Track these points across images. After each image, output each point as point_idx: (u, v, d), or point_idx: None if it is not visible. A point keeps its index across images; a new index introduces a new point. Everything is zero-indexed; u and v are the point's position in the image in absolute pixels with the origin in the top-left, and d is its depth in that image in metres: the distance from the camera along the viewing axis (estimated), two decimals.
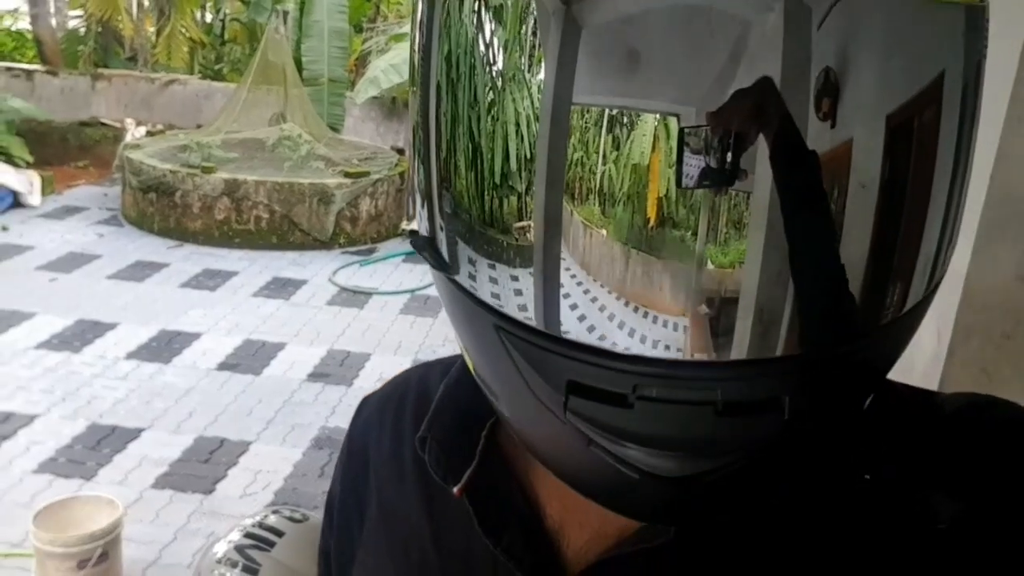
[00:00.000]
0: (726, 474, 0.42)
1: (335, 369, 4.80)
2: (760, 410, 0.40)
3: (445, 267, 0.48)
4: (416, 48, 0.47)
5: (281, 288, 6.00)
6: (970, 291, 1.12)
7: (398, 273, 6.58)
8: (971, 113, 0.42)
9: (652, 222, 0.39)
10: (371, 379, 4.69)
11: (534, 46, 0.40)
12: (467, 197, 0.45)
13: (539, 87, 0.40)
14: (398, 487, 0.64)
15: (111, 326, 5.08)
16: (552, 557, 0.55)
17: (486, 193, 0.44)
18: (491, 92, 0.43)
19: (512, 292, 0.43)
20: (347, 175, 7.08)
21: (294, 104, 7.98)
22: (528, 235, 0.42)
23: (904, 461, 0.50)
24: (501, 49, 0.42)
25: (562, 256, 0.41)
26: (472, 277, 0.45)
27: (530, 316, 0.43)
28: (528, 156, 0.41)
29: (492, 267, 0.44)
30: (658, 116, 0.38)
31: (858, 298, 0.41)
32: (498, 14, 0.42)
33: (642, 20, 0.38)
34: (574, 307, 0.41)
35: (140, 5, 11.03)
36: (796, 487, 0.48)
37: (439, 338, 5.34)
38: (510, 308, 0.44)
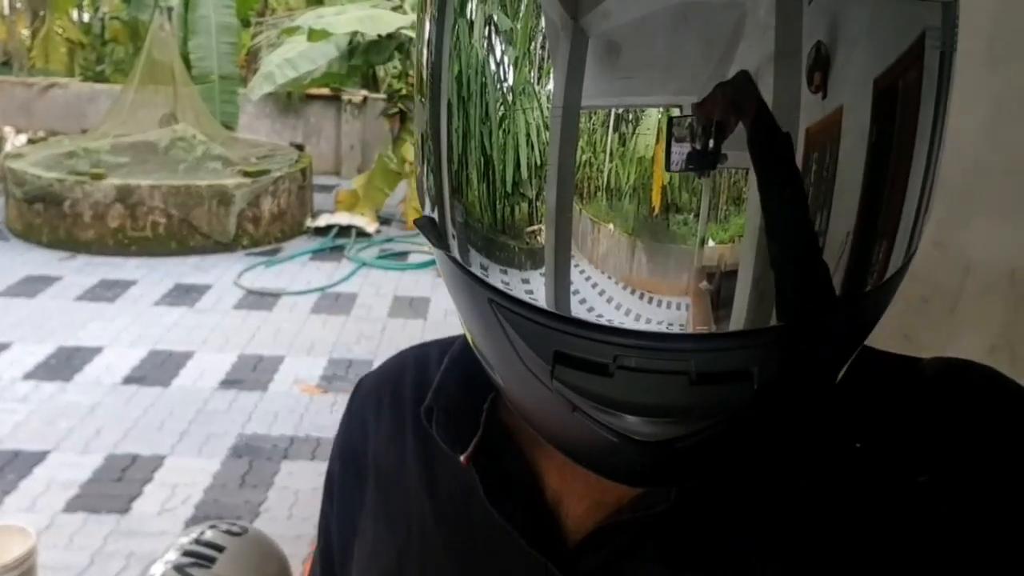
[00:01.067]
0: (701, 439, 0.45)
1: (248, 374, 4.69)
2: (731, 379, 0.43)
3: (445, 245, 0.50)
4: (424, 61, 0.50)
5: (184, 295, 5.82)
6: None
7: (306, 272, 6.46)
8: (947, 83, 0.45)
9: (634, 205, 0.42)
10: (286, 382, 4.60)
11: (543, 55, 0.43)
12: (468, 181, 0.47)
13: (548, 94, 0.43)
14: (399, 462, 0.66)
15: (4, 346, 4.83)
16: (554, 526, 0.57)
17: (484, 180, 0.46)
18: (504, 91, 0.45)
19: (504, 269, 0.47)
20: (246, 174, 6.90)
21: (185, 103, 7.73)
22: (519, 217, 0.45)
23: (888, 425, 0.53)
24: (512, 55, 0.44)
25: (549, 235, 0.44)
26: (468, 255, 0.49)
27: (520, 291, 0.46)
28: (536, 159, 0.44)
29: (485, 246, 0.47)
30: (649, 110, 0.41)
31: (827, 271, 0.43)
32: (508, 31, 0.44)
33: (643, 25, 0.41)
34: (561, 282, 0.44)
35: (12, 7, 10.47)
36: (777, 452, 0.51)
37: (353, 336, 5.27)
38: (502, 284, 0.47)
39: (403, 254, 6.99)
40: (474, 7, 0.45)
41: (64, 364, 4.67)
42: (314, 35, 6.71)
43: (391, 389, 0.70)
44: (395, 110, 7.68)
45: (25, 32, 10.74)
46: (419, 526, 0.63)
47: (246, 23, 10.27)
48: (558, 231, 0.44)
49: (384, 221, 7.64)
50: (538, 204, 0.44)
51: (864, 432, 0.52)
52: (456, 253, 0.50)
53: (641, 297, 0.43)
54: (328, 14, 7.09)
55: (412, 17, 6.91)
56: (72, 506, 3.42)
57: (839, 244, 0.43)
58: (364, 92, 9.57)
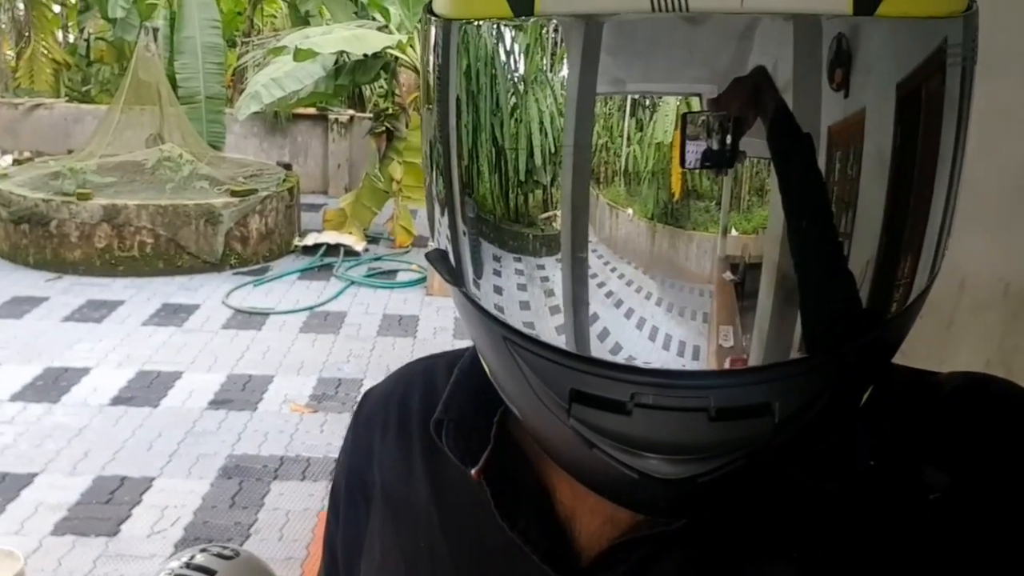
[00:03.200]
0: (723, 475, 0.44)
1: (237, 394, 4.66)
2: (752, 415, 0.43)
3: (458, 280, 0.50)
4: (432, 69, 0.49)
5: (172, 315, 5.79)
6: None
7: (294, 291, 6.44)
8: (968, 103, 0.45)
9: (644, 236, 0.42)
10: (276, 401, 4.58)
11: (553, 65, 0.42)
12: (477, 219, 0.47)
13: (557, 109, 0.42)
14: (406, 477, 0.65)
15: None
16: (567, 542, 0.56)
17: (494, 215, 0.47)
18: (497, 119, 0.45)
19: (518, 307, 0.47)
20: (234, 193, 6.89)
21: (171, 123, 7.71)
22: (533, 254, 0.45)
23: (904, 441, 0.52)
24: (520, 73, 0.44)
25: (563, 272, 0.44)
26: (477, 288, 0.49)
27: (535, 330, 0.46)
28: (548, 181, 0.44)
29: (499, 284, 0.47)
30: (635, 150, 0.41)
31: (850, 300, 0.43)
32: (519, 41, 0.44)
33: (618, 48, 0.40)
34: (576, 321, 0.44)
35: None
36: (797, 477, 0.50)
37: (343, 354, 5.26)
38: (517, 321, 0.47)
39: (391, 272, 6.98)
40: (468, 36, 0.45)
41: (51, 385, 4.63)
42: (300, 55, 6.72)
43: (398, 403, 0.69)
44: (382, 129, 7.69)
45: (10, 53, 10.71)
46: (427, 541, 0.62)
47: (232, 43, 10.29)
48: (574, 269, 0.43)
49: (372, 240, 7.64)
50: (551, 241, 0.44)
51: (879, 449, 0.52)
52: (471, 289, 0.49)
53: (658, 334, 0.42)
54: (314, 34, 7.10)
55: (398, 37, 6.94)
56: (60, 529, 3.38)
57: (862, 270, 0.43)
58: (351, 111, 9.59)
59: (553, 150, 0.43)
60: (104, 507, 3.55)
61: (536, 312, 0.46)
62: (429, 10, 0.49)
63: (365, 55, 6.95)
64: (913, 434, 0.52)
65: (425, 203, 0.54)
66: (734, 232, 0.41)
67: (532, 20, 0.42)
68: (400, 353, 5.26)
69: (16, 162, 7.94)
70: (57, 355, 5.01)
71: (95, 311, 5.76)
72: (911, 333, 1.45)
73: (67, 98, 10.28)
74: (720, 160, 0.40)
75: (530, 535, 0.56)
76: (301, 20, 9.30)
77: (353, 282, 6.65)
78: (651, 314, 0.42)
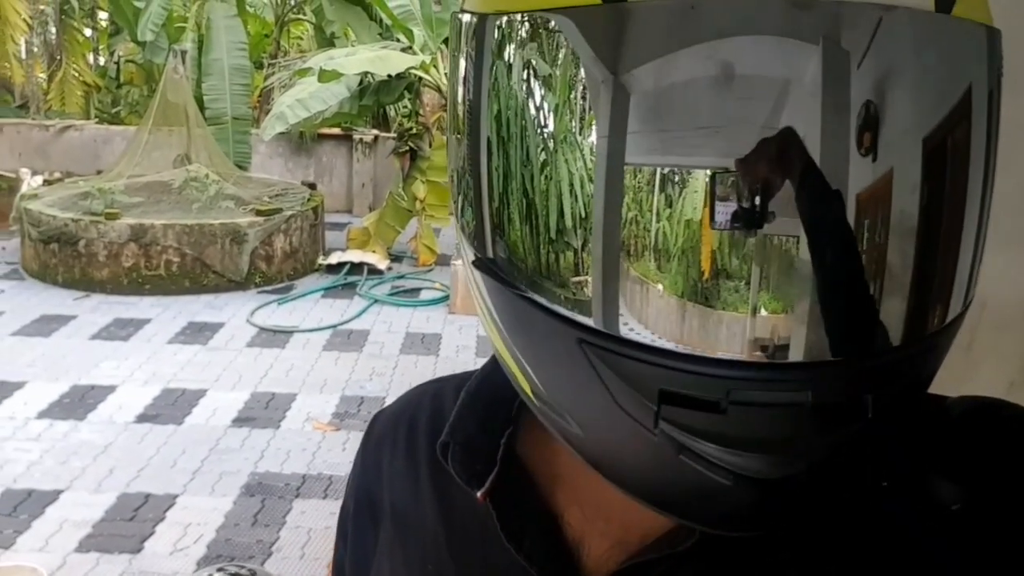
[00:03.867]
0: (810, 475, 0.43)
1: (260, 412, 4.68)
2: (846, 410, 0.42)
3: (516, 285, 0.47)
4: (460, 96, 0.48)
5: (198, 333, 5.84)
6: None
7: (318, 309, 6.48)
8: (996, 132, 0.45)
9: (736, 229, 0.41)
10: (298, 419, 4.60)
11: (584, 110, 0.42)
12: (544, 221, 0.45)
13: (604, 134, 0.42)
14: (413, 500, 0.65)
15: (18, 385, 4.85)
16: (573, 565, 0.55)
17: (562, 218, 0.44)
18: (558, 129, 0.44)
19: (598, 304, 0.43)
20: (259, 213, 6.96)
21: (198, 144, 7.82)
22: (611, 249, 0.42)
23: (916, 461, 0.52)
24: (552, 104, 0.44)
25: (649, 268, 0.42)
26: (551, 293, 0.45)
27: (618, 327, 0.43)
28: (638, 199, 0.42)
29: (574, 282, 0.44)
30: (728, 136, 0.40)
31: (925, 302, 0.44)
32: (547, 82, 0.43)
33: (686, 83, 0.40)
34: (664, 315, 0.42)
35: (29, 51, 10.65)
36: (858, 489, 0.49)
37: (366, 372, 5.27)
38: (596, 320, 0.43)
39: (415, 291, 7.01)
40: (512, 52, 0.44)
41: (78, 403, 4.68)
42: (325, 76, 6.80)
43: (406, 425, 0.69)
44: (405, 149, 7.75)
45: (42, 75, 10.92)
46: (435, 564, 0.62)
47: (259, 65, 10.43)
48: (659, 261, 0.41)
49: (395, 258, 7.67)
50: (614, 237, 0.42)
51: (891, 468, 0.51)
52: (531, 292, 0.46)
53: (752, 327, 0.41)
54: (339, 55, 7.19)
55: (421, 58, 7.00)
56: (84, 546, 3.40)
57: (940, 271, 0.44)
58: (375, 131, 9.68)
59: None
60: (128, 524, 3.57)
61: (617, 311, 0.43)
62: (462, 9, 0.48)
63: (389, 76, 7.02)
64: (925, 453, 0.52)
65: (461, 212, 0.51)
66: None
67: (623, 7, 0.41)
68: (423, 371, 5.27)
69: (46, 182, 8.07)
70: (84, 373, 5.07)
71: (122, 329, 5.83)
72: None
73: (97, 120, 10.46)
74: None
75: (536, 557, 0.55)
76: (327, 42, 9.40)
77: (376, 300, 6.68)
78: (742, 308, 0.41)
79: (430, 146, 7.52)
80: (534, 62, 0.44)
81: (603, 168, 0.41)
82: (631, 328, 0.43)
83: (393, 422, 0.71)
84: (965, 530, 0.49)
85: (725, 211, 0.40)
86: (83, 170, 8.79)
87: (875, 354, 0.43)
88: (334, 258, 7.33)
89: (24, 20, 9.53)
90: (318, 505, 3.78)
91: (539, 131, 0.44)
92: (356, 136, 9.50)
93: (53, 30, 10.74)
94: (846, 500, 0.48)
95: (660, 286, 0.42)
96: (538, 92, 0.44)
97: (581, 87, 0.42)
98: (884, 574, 0.50)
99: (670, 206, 0.41)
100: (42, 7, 10.60)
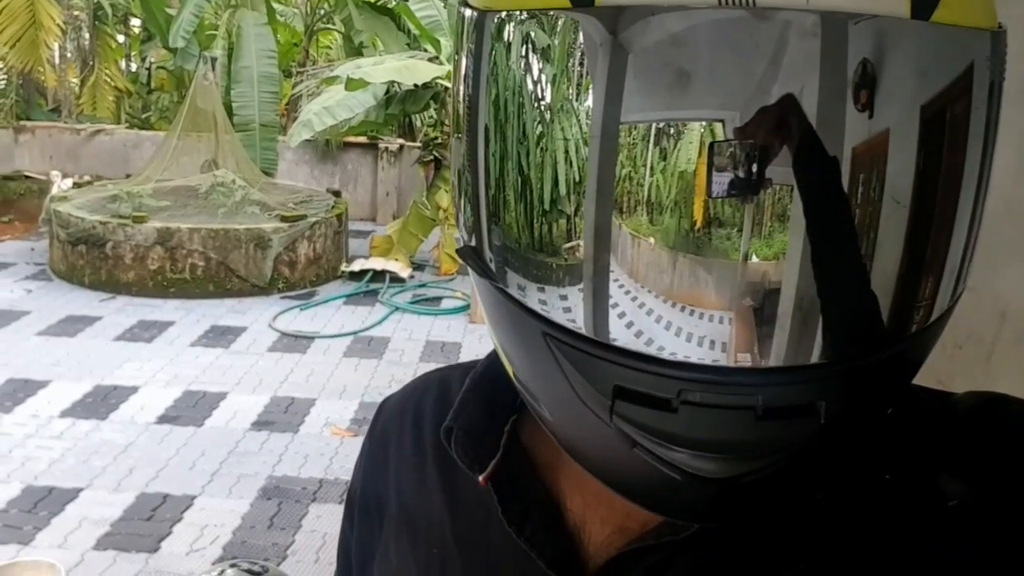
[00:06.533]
0: (764, 475, 0.44)
1: (279, 416, 4.71)
2: (798, 414, 0.42)
3: (492, 275, 0.49)
4: (461, 93, 0.49)
5: (220, 336, 5.89)
6: None
7: (339, 316, 6.51)
8: (995, 114, 0.45)
9: (694, 229, 0.41)
10: (317, 425, 4.62)
11: (582, 74, 0.42)
12: (518, 213, 0.47)
13: (588, 112, 0.42)
14: (418, 484, 0.66)
15: (43, 384, 4.91)
16: (574, 550, 0.56)
17: (537, 209, 0.45)
18: (543, 116, 0.44)
19: (560, 301, 0.45)
20: (283, 219, 7.01)
21: (226, 150, 7.90)
22: (577, 248, 0.44)
23: (919, 455, 0.52)
24: (552, 70, 0.44)
25: (610, 266, 0.43)
26: (520, 287, 0.47)
27: (579, 324, 0.44)
28: (577, 177, 0.43)
29: (541, 278, 0.46)
30: (702, 127, 0.41)
31: (891, 307, 0.43)
32: (546, 52, 0.44)
33: (683, 40, 0.40)
34: (622, 315, 0.43)
35: (63, 55, 10.83)
36: (826, 487, 0.50)
37: (385, 379, 5.29)
38: (558, 316, 0.45)
39: (436, 299, 7.02)
40: (512, 29, 0.45)
41: (100, 402, 4.73)
42: (352, 84, 6.85)
43: (412, 410, 0.70)
44: (430, 158, 7.79)
45: (75, 80, 11.09)
46: (440, 548, 0.63)
47: (288, 73, 10.53)
48: (619, 262, 0.43)
49: (418, 267, 7.70)
50: (597, 233, 0.43)
51: (894, 463, 0.52)
52: (506, 284, 0.48)
53: (706, 330, 0.42)
54: (366, 64, 7.24)
55: (447, 68, 7.03)
56: (102, 544, 3.44)
57: (907, 278, 0.43)
58: (400, 140, 9.73)
59: (626, 141, 0.42)
60: (146, 524, 3.60)
61: (580, 307, 0.44)
62: (465, 3, 0.49)
63: (415, 85, 7.06)
64: (929, 449, 0.52)
65: (455, 201, 0.54)
66: (770, 230, 0.41)
67: (591, 12, 0.41)
68: None
69: (76, 185, 8.18)
70: (107, 373, 5.12)
71: (146, 331, 5.89)
72: (950, 365, 1.40)
73: (127, 124, 10.60)
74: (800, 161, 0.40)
75: (536, 541, 0.56)
76: (355, 51, 9.48)
77: (397, 308, 6.70)
78: (699, 310, 0.42)
79: None
80: (522, 58, 0.45)
81: (546, 169, 0.44)
82: (589, 325, 0.44)
83: (399, 408, 0.71)
84: (971, 526, 0.49)
85: (675, 223, 0.41)
86: (112, 174, 8.91)
87: (827, 363, 0.42)
88: (357, 265, 7.37)
89: (58, 25, 9.67)
90: (334, 510, 3.78)
91: (516, 132, 0.46)
92: (381, 145, 9.56)
93: (87, 35, 10.90)
94: (816, 498, 0.49)
95: (619, 287, 0.43)
96: (513, 87, 0.45)
97: (561, 86, 0.44)
98: (886, 569, 0.49)
99: (624, 212, 0.42)
100: (76, 13, 10.77)
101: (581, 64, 0.42)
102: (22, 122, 9.89)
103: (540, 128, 0.44)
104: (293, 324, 6.23)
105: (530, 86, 0.45)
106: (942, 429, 0.53)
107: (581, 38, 0.42)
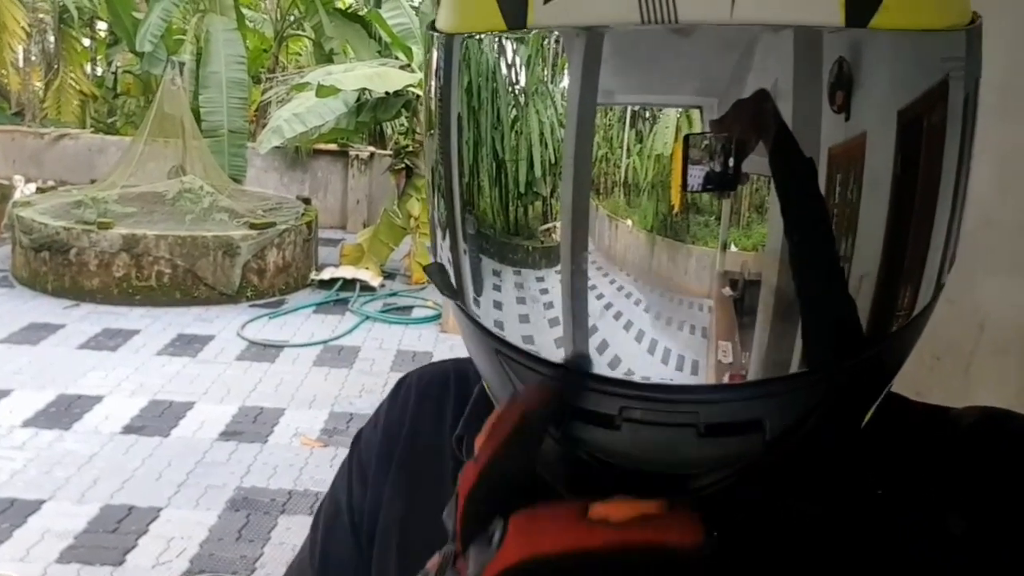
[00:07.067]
0: (717, 490, 0.44)
1: (248, 426, 4.65)
2: (740, 431, 0.42)
3: (455, 294, 0.50)
4: (433, 95, 0.49)
5: (187, 345, 5.81)
6: None
7: (309, 324, 6.45)
8: (972, 123, 0.44)
9: (638, 249, 0.41)
10: (286, 435, 4.56)
11: (552, 76, 0.43)
12: (476, 232, 0.47)
13: (518, 129, 0.43)
14: (438, 456, 0.63)
15: (5, 392, 4.81)
16: None
17: (487, 233, 0.47)
18: (498, 132, 0.45)
19: (509, 319, 0.47)
20: (252, 226, 6.94)
21: (193, 156, 7.82)
22: (527, 266, 0.45)
23: (919, 476, 0.50)
24: (520, 87, 0.44)
25: (552, 286, 0.44)
26: (476, 304, 0.49)
27: (525, 343, 0.46)
28: (548, 192, 0.44)
29: (493, 297, 0.47)
30: (634, 146, 0.40)
31: (848, 313, 0.42)
32: (490, 70, 0.45)
33: (612, 57, 0.40)
34: (565, 334, 0.44)
35: (27, 59, 10.66)
36: (805, 500, 0.49)
37: (355, 389, 5.24)
38: (511, 333, 0.47)
39: (407, 308, 6.99)
40: (458, 48, 0.45)
41: (64, 412, 4.63)
42: (323, 91, 6.81)
43: (435, 397, 0.67)
44: (401, 166, 7.76)
45: (39, 83, 10.92)
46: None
47: (257, 79, 10.45)
48: (563, 281, 0.43)
49: (388, 275, 7.66)
50: (542, 255, 0.44)
51: (888, 479, 0.50)
52: (467, 303, 0.49)
53: (646, 348, 0.42)
54: (337, 71, 7.20)
55: (419, 76, 7.02)
56: (66, 557, 3.36)
57: (855, 289, 0.42)
58: (371, 148, 9.69)
59: (553, 161, 0.43)
60: (111, 536, 3.53)
61: (525, 325, 0.46)
62: (431, 26, 0.50)
63: (387, 93, 7.04)
64: (929, 468, 0.51)
65: (427, 208, 0.55)
66: (732, 248, 0.40)
67: (526, 33, 0.42)
68: None
69: (40, 190, 8.05)
70: (71, 382, 5.03)
71: (110, 339, 5.79)
72: (929, 377, 1.41)
73: (92, 129, 10.46)
74: (720, 181, 0.39)
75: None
76: (325, 58, 9.44)
77: (368, 317, 6.66)
78: (639, 327, 0.42)
79: None
80: (475, 80, 0.46)
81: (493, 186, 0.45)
82: (534, 343, 0.45)
83: (426, 389, 0.69)
84: (972, 552, 0.47)
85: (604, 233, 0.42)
86: (77, 179, 8.77)
87: (767, 379, 0.42)
88: (327, 274, 7.31)
89: (23, 28, 9.54)
90: (304, 521, 3.73)
91: (457, 156, 0.47)
92: (352, 152, 9.51)
93: (51, 39, 10.75)
94: (787, 512, 0.48)
95: (559, 304, 0.44)
96: (452, 106, 0.47)
97: (492, 110, 0.45)
98: None
99: (567, 236, 0.43)
100: (41, 16, 10.61)
101: (514, 84, 0.44)
102: None
103: (472, 151, 0.46)
104: (262, 333, 6.16)
105: (466, 110, 0.46)
106: (943, 446, 0.52)
107: (517, 58, 0.43)
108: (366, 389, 5.26)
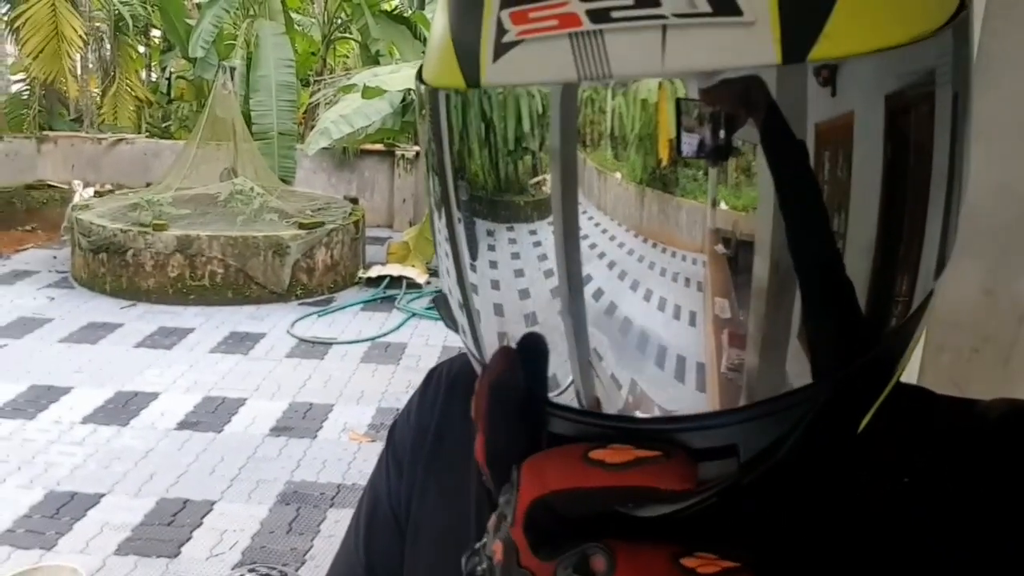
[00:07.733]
0: (696, 512, 0.43)
1: (298, 422, 4.74)
2: (714, 456, 0.42)
3: (453, 326, 0.52)
4: (425, 131, 0.51)
5: (239, 343, 5.93)
6: (940, 307, 1.15)
7: (357, 322, 6.54)
8: (961, 121, 0.43)
9: (596, 298, 0.43)
10: (335, 430, 4.64)
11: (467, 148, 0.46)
12: (453, 277, 0.50)
13: (465, 184, 0.47)
14: (464, 465, 0.64)
15: (65, 390, 4.97)
16: None
17: (466, 276, 0.49)
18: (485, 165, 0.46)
19: (492, 353, 0.48)
20: (301, 226, 7.06)
21: (244, 158, 7.97)
22: (502, 312, 0.48)
23: (945, 469, 0.49)
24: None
25: (535, 325, 0.46)
26: (466, 335, 0.51)
27: (506, 375, 0.47)
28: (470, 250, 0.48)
29: (474, 331, 0.50)
30: (592, 188, 0.41)
31: (772, 366, 0.42)
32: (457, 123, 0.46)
33: (562, 113, 0.41)
34: (547, 370, 0.45)
35: (84, 66, 10.95)
36: (802, 506, 0.48)
37: (402, 385, 5.31)
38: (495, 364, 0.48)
39: None
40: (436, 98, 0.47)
41: (121, 409, 4.77)
42: (368, 92, 6.89)
43: (461, 391, 0.69)
44: None
45: (96, 90, 11.21)
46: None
47: (305, 82, 10.60)
48: (543, 319, 0.45)
49: (434, 273, 7.71)
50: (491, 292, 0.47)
51: (913, 470, 0.49)
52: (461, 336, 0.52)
53: (618, 379, 0.43)
54: (383, 72, 7.28)
55: None
56: (123, 549, 3.47)
57: (819, 326, 0.41)
58: (417, 147, 9.75)
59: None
60: (166, 529, 3.63)
61: (509, 359, 0.47)
62: (418, 75, 0.52)
63: None
64: (955, 462, 0.49)
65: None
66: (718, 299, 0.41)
67: (480, 91, 0.43)
68: None
69: (97, 194, 8.28)
70: (128, 380, 5.17)
71: (166, 338, 5.94)
72: (967, 369, 1.38)
73: (148, 134, 10.71)
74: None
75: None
76: (372, 60, 9.54)
77: (414, 314, 6.73)
78: (611, 360, 0.43)
79: None
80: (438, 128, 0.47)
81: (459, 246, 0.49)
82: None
83: (454, 382, 0.72)
84: (998, 546, 0.46)
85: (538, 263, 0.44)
86: (133, 182, 9.00)
87: (737, 408, 0.42)
88: (374, 271, 7.40)
89: (80, 36, 9.80)
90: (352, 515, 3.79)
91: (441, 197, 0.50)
92: (398, 152, 9.60)
93: (108, 46, 11.02)
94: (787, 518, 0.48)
95: (542, 343, 0.45)
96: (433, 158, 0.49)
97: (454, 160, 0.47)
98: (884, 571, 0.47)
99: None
100: (98, 24, 10.90)
101: (462, 136, 0.45)
102: (44, 132, 10.02)
103: (439, 187, 0.49)
104: (311, 330, 6.27)
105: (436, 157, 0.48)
106: (969, 439, 0.50)
107: (472, 114, 0.44)
108: (412, 385, 5.25)
